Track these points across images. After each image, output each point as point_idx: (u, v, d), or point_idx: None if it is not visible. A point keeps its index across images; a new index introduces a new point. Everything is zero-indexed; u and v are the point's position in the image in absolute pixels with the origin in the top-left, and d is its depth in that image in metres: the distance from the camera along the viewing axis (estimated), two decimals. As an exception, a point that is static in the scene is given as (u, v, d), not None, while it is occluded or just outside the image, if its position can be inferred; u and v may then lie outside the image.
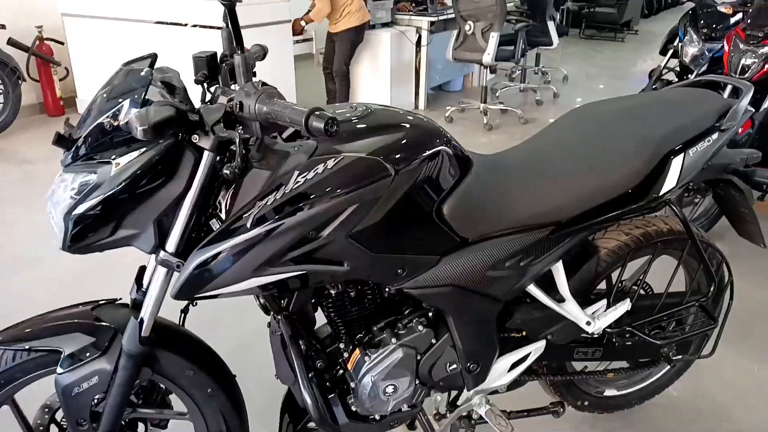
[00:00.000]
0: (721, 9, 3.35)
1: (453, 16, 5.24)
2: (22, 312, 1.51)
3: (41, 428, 1.38)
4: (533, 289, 1.46)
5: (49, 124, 5.24)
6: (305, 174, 1.12)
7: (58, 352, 1.22)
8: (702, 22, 3.54)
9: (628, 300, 1.54)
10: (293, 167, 1.13)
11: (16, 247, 3.10)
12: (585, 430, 1.91)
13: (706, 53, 3.53)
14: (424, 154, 1.22)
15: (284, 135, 1.29)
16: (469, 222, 1.30)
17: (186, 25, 4.39)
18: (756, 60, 2.81)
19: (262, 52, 1.40)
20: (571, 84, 6.89)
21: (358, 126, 1.22)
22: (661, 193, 1.40)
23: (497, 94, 6.08)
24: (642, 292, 1.69)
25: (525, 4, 6.19)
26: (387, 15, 5.35)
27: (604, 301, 1.53)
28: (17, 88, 4.82)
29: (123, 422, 1.39)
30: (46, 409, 1.38)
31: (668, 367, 1.92)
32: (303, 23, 4.98)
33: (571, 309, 1.48)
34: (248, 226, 1.10)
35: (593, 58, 8.74)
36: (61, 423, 1.39)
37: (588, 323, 1.49)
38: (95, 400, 1.25)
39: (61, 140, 1.10)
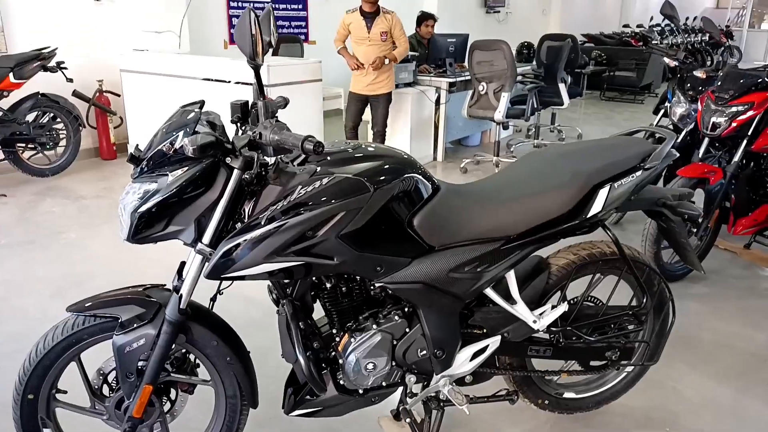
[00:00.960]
0: (698, 74, 3.72)
1: (470, 77, 5.72)
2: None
3: (96, 387, 1.76)
4: (490, 292, 1.81)
5: (103, 166, 5.84)
6: (306, 188, 1.52)
7: (116, 318, 1.62)
8: (688, 84, 3.91)
9: (566, 303, 1.87)
10: (298, 183, 1.53)
11: (71, 267, 3.56)
12: (548, 427, 2.21)
13: (692, 113, 3.88)
14: (399, 178, 1.61)
15: (296, 162, 1.70)
16: (435, 233, 1.67)
17: (229, 82, 4.97)
18: (725, 118, 3.15)
19: (284, 102, 1.84)
20: (585, 142, 7.26)
21: (350, 156, 1.62)
22: (588, 216, 1.75)
23: (512, 149, 6.49)
24: (591, 303, 2.01)
25: (541, 68, 6.69)
26: (409, 76, 5.87)
27: (549, 305, 1.87)
28: (78, 133, 5.42)
29: (160, 386, 1.77)
30: (101, 372, 1.76)
31: (623, 375, 2.21)
32: (387, 60, 5.11)
33: (520, 310, 1.82)
34: (262, 223, 1.50)
35: (612, 118, 9.13)
36: (111, 384, 1.77)
37: (534, 321, 1.83)
38: (141, 359, 1.64)
39: (132, 159, 1.54)
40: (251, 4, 6.38)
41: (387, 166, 1.62)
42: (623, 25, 13.84)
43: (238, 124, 1.71)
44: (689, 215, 1.90)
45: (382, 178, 1.58)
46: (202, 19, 6.99)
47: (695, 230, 3.25)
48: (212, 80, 5.11)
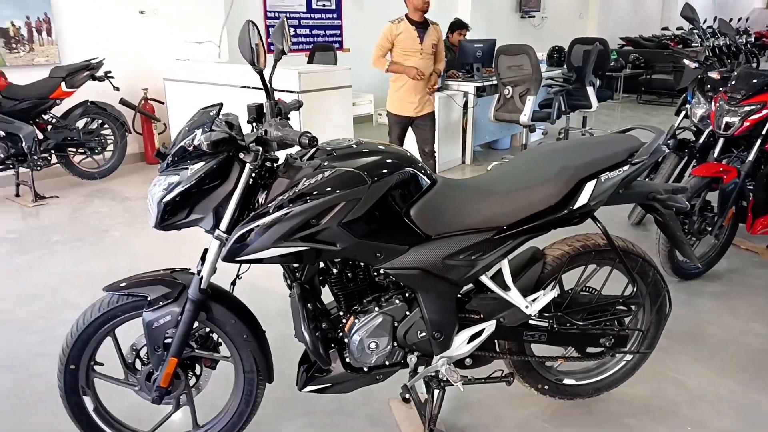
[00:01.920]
0: (712, 75, 3.75)
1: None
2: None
3: (129, 361, 1.96)
4: (485, 279, 1.94)
5: (147, 170, 6.18)
6: (310, 180, 1.69)
7: (145, 297, 1.82)
8: (708, 86, 3.93)
9: (557, 288, 1.99)
10: (303, 175, 1.71)
11: (116, 263, 3.84)
12: (549, 412, 2.32)
13: (713, 114, 3.90)
14: (396, 172, 1.76)
15: (305, 158, 1.88)
16: (431, 223, 1.82)
17: (265, 89, 5.19)
18: (738, 118, 3.19)
19: (297, 105, 2.01)
20: (617, 145, 7.25)
21: (353, 152, 1.79)
22: (574, 208, 1.86)
23: (541, 152, 6.55)
24: (586, 293, 2.12)
25: (571, 72, 6.75)
26: (438, 81, 6.00)
27: (541, 292, 1.99)
28: (124, 139, 5.77)
29: (186, 361, 1.96)
30: (134, 347, 1.97)
31: (622, 364, 2.30)
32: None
33: (513, 296, 1.95)
34: (270, 211, 1.68)
35: (647, 121, 9.05)
36: (143, 359, 1.97)
37: (526, 307, 1.95)
38: (167, 334, 1.83)
39: (159, 154, 1.75)
40: (286, 14, 6.67)
41: (385, 161, 1.78)
42: (662, 27, 13.60)
43: (254, 124, 1.90)
44: (677, 208, 1.99)
45: (379, 171, 1.74)
46: (241, 29, 7.28)
47: (710, 229, 3.29)
48: (250, 88, 5.36)
